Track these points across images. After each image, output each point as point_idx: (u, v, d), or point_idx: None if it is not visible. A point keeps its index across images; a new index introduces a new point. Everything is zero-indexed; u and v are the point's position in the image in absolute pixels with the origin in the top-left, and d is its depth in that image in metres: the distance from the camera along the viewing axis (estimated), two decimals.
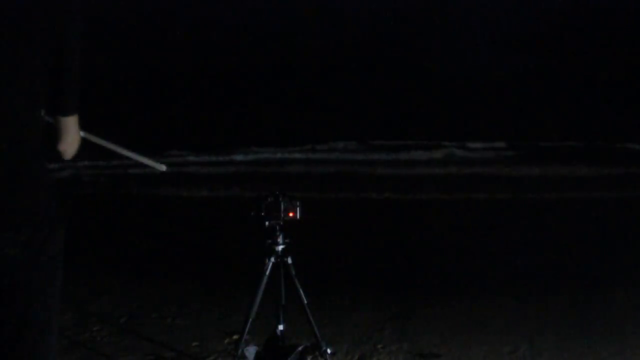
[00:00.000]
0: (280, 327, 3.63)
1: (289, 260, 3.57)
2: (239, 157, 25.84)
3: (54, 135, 1.98)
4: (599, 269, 7.00)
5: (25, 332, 1.82)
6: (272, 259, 3.55)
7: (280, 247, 3.56)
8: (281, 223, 3.54)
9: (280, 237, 3.57)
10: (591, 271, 6.89)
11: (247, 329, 3.54)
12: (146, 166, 2.60)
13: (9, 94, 1.72)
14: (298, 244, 3.73)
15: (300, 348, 3.59)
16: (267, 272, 3.54)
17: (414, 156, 22.43)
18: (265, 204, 3.52)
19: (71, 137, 2.00)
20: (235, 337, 4.58)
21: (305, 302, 3.57)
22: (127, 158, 2.45)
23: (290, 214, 3.52)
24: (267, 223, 3.53)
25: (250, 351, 3.57)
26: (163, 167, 2.66)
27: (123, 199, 15.53)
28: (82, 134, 2.08)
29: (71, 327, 5.04)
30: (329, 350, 3.62)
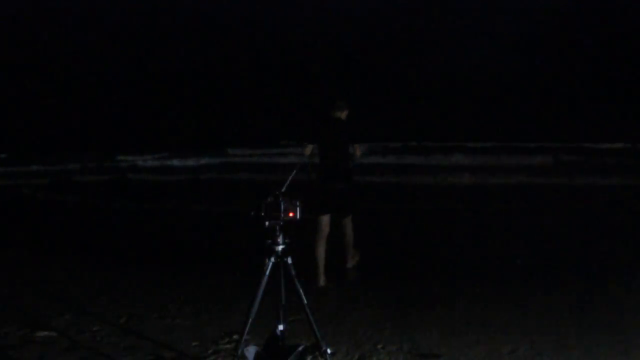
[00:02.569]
0: (280, 327, 3.62)
1: (289, 260, 3.56)
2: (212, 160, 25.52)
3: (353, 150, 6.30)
4: (599, 269, 7.00)
5: (349, 207, 6.37)
6: (272, 259, 3.55)
7: (280, 247, 3.56)
8: (281, 223, 3.54)
9: (280, 237, 3.56)
10: (591, 272, 6.89)
11: (247, 329, 3.54)
12: None
13: (344, 143, 6.23)
14: (298, 244, 3.73)
15: (300, 348, 3.59)
16: (267, 272, 3.54)
17: (414, 161, 22.36)
18: (265, 204, 3.51)
19: (359, 149, 6.33)
20: (235, 337, 4.58)
21: (305, 302, 3.56)
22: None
23: (290, 214, 3.52)
24: (267, 223, 3.53)
25: (250, 351, 3.56)
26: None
27: (117, 205, 15.52)
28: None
29: (71, 327, 5.04)
30: (329, 350, 3.62)
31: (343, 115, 6.28)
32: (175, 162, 25.26)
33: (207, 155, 26.09)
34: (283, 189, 4.28)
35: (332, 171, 6.12)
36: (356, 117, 6.45)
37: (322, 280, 6.21)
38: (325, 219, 6.19)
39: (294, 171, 4.75)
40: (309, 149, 6.18)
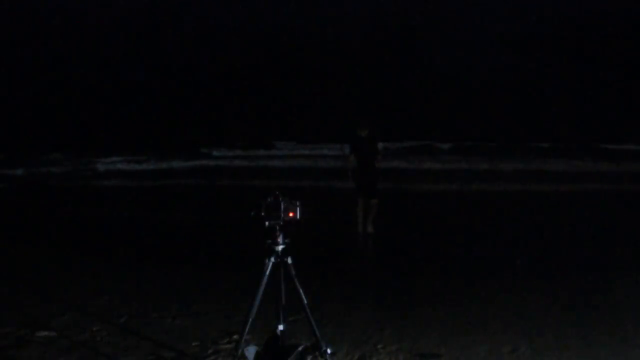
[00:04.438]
0: (280, 327, 3.62)
1: (289, 260, 3.56)
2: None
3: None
4: (599, 269, 7.01)
5: (374, 192, 9.08)
6: (272, 259, 3.54)
7: (280, 247, 3.55)
8: (281, 223, 3.53)
9: (280, 237, 3.56)
10: (591, 272, 6.89)
11: (247, 329, 3.54)
12: None
13: (369, 152, 9.03)
14: (298, 244, 3.73)
15: (300, 348, 3.59)
16: (267, 272, 3.53)
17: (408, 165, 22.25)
18: (265, 204, 3.50)
19: (380, 159, 9.36)
20: (235, 337, 4.58)
21: (305, 302, 3.56)
22: None
23: (290, 214, 3.51)
24: (267, 223, 3.52)
25: (250, 351, 3.56)
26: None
27: (115, 206, 15.50)
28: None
29: (71, 327, 5.04)
30: (329, 350, 3.62)
31: (365, 133, 9.02)
32: (153, 165, 23.91)
33: (186, 157, 25.31)
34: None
35: (363, 170, 9.11)
36: (378, 133, 9.45)
37: (360, 229, 9.16)
38: (361, 200, 9.20)
39: (349, 176, 9.05)
40: (351, 158, 9.21)
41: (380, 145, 9.48)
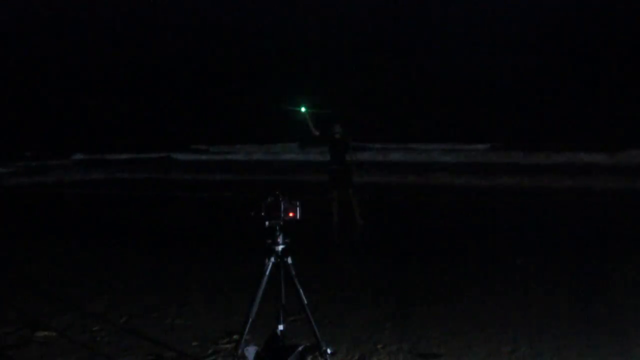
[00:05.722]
0: (280, 327, 3.62)
1: (289, 260, 3.56)
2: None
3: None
4: (599, 269, 7.01)
5: (348, 185, 10.34)
6: (272, 259, 3.54)
7: (280, 247, 3.55)
8: (281, 223, 3.53)
9: (280, 237, 3.56)
10: (591, 271, 6.89)
11: (247, 329, 3.54)
12: None
13: (341, 149, 10.35)
14: (298, 244, 3.73)
15: (300, 348, 3.59)
16: (267, 272, 3.53)
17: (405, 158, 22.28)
18: (265, 204, 3.51)
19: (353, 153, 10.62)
20: (235, 337, 4.58)
21: (305, 302, 3.56)
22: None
23: (290, 214, 3.51)
24: (267, 223, 3.52)
25: (250, 351, 3.56)
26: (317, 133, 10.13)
27: (115, 204, 15.49)
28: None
29: (71, 327, 5.04)
30: (329, 350, 3.62)
31: (339, 133, 10.38)
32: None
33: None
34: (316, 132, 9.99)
35: (338, 165, 10.32)
36: (351, 133, 10.62)
37: (336, 219, 10.24)
38: (336, 192, 10.37)
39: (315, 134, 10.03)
40: (316, 131, 10.11)
41: (352, 144, 10.57)
